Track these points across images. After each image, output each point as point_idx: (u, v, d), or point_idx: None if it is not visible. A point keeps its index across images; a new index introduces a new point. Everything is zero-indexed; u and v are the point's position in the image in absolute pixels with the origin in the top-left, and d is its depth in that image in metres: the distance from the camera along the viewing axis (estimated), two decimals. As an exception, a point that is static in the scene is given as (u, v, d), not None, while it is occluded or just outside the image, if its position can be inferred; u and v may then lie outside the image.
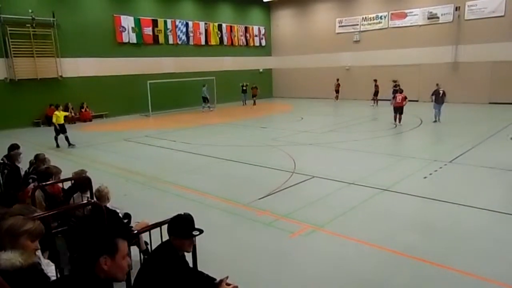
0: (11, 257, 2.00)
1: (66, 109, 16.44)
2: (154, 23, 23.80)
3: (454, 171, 9.31)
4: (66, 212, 4.27)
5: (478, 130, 13.51)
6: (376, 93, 23.64)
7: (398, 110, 15.77)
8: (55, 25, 19.38)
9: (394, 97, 16.06)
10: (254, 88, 25.68)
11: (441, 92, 16.25)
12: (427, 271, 4.77)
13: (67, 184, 5.55)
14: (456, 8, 22.80)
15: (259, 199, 7.51)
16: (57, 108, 14.14)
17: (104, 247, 2.10)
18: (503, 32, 21.31)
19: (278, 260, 5.17)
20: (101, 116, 21.57)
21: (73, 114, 19.48)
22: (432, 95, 16.54)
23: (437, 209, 6.87)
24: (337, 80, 26.86)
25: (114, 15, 21.94)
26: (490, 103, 21.64)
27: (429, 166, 9.52)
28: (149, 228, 3.58)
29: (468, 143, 11.91)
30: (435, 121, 16.40)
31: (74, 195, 4.97)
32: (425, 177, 8.69)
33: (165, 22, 24.39)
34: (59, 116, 13.49)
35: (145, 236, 4.30)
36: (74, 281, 2.04)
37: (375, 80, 23.74)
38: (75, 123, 19.99)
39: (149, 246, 4.55)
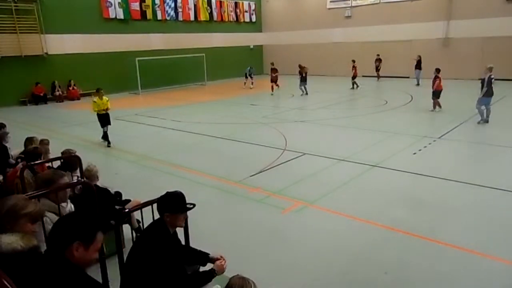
0: (12, 241, 2.01)
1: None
2: (141, -2, 23.14)
3: (442, 147, 9.43)
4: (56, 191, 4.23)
5: (467, 106, 13.61)
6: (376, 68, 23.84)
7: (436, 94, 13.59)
8: (38, 0, 18.72)
9: (439, 79, 13.38)
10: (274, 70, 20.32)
11: (417, 61, 20.75)
12: (415, 245, 4.88)
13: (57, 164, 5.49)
14: (448, -17, 22.53)
15: (251, 176, 7.54)
16: (97, 92, 10.57)
17: (82, 234, 2.06)
18: (494, 7, 21.17)
19: (270, 236, 5.24)
20: (89, 95, 21.12)
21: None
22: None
23: (425, 184, 6.98)
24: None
25: (100, -11, 21.25)
26: (480, 79, 21.70)
27: (419, 142, 9.62)
28: (140, 206, 3.57)
29: (457, 119, 12.02)
30: (417, 84, 20.24)
31: (64, 175, 4.92)
32: (414, 153, 8.79)
33: (153, -3, 23.73)
34: (99, 104, 10.26)
35: (137, 215, 4.31)
36: (46, 262, 2.02)
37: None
38: (62, 101, 19.66)
39: (141, 224, 4.57)
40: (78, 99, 20.31)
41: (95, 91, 10.62)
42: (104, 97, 10.39)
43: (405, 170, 7.61)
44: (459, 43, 22.63)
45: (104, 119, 10.36)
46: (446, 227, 5.32)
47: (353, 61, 21.14)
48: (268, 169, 7.99)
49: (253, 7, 30.68)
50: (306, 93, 18.93)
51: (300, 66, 19.10)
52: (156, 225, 3.09)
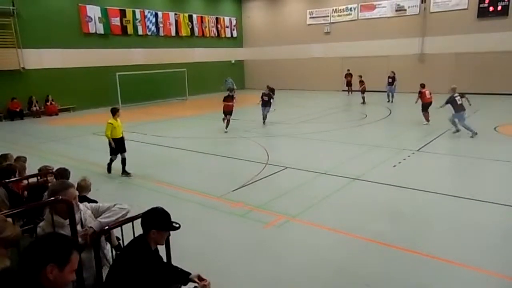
0: None
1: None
2: (122, 13, 23.10)
3: (421, 160, 9.64)
4: (33, 209, 4.11)
5: (443, 119, 13.99)
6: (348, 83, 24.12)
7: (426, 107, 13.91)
8: (15, 14, 18.44)
9: (422, 93, 13.91)
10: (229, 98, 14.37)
11: (390, 79, 19.97)
12: (397, 257, 4.93)
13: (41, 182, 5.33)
14: (422, 1, 23.40)
15: (233, 191, 7.51)
16: (113, 113, 8.82)
17: (55, 256, 1.95)
18: (466, 25, 22.08)
19: (252, 251, 5.21)
20: (67, 110, 20.83)
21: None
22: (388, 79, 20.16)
23: (406, 196, 7.09)
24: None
25: (79, 4, 21.10)
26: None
27: (398, 155, 9.80)
28: (121, 223, 3.50)
29: (434, 132, 12.33)
30: (388, 101, 19.72)
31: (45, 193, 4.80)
32: (394, 166, 8.95)
33: (134, 12, 23.73)
34: (115, 126, 8.70)
35: (116, 232, 4.21)
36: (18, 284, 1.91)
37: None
38: (40, 117, 19.26)
39: (121, 242, 4.47)
40: (56, 114, 19.92)
41: (110, 111, 8.93)
42: (118, 119, 8.86)
43: (386, 183, 7.73)
44: (434, 58, 23.43)
45: (120, 144, 8.81)
46: (427, 238, 5.40)
47: (360, 76, 20.92)
48: (250, 183, 7.98)
49: (234, 22, 31.04)
50: (263, 122, 15.21)
51: (268, 87, 16.00)
52: (137, 242, 3.03)
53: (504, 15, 21.02)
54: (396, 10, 24.50)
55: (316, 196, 7.07)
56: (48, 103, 19.89)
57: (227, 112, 13.90)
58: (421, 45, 23.84)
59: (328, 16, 27.41)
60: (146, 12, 24.45)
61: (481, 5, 21.56)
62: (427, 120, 13.87)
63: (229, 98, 14.18)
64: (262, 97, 15.22)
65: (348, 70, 24.15)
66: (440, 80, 22.60)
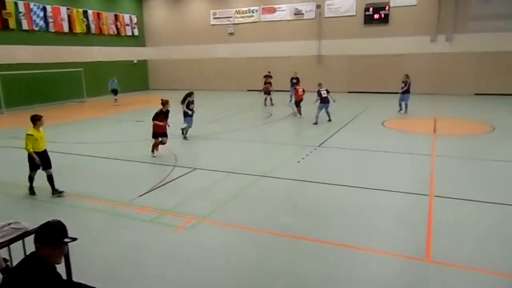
0: None
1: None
2: (1, 4, 20.44)
3: (322, 154, 10.34)
4: None
5: (339, 116, 15.22)
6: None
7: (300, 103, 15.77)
8: None
9: (296, 90, 16.06)
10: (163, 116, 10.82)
11: (294, 80, 19.86)
12: (304, 247, 5.22)
13: None
14: (317, 6, 25.10)
15: (140, 196, 7.19)
16: (34, 122, 7.20)
17: None
18: (355, 30, 24.30)
19: (164, 257, 5.04)
20: None
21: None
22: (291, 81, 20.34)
23: (310, 189, 7.55)
24: (268, 72, 21.43)
25: None
26: (348, 92, 24.56)
27: (301, 151, 10.38)
28: (8, 242, 3.10)
29: (332, 128, 13.32)
30: (290, 101, 19.77)
31: None
32: (298, 162, 9.45)
33: (16, 4, 21.14)
34: (37, 138, 7.19)
35: (3, 253, 3.72)
36: None
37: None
38: None
39: (9, 263, 3.96)
40: None
41: (30, 119, 7.25)
42: (41, 130, 7.32)
43: (291, 178, 8.13)
44: (330, 60, 25.33)
45: (44, 159, 7.33)
46: (331, 228, 5.80)
47: (270, 77, 20.38)
48: (158, 187, 7.73)
49: (135, 20, 29.66)
50: (185, 136, 12.48)
51: (188, 94, 12.36)
52: (28, 260, 2.70)
53: (385, 22, 23.60)
54: (295, 14, 25.88)
55: (225, 195, 7.13)
56: None
57: (161, 134, 10.49)
58: (318, 47, 25.56)
59: (231, 17, 27.80)
60: (32, 5, 21.98)
61: (367, 13, 23.92)
62: (300, 113, 15.60)
63: (162, 117, 10.56)
64: (189, 106, 12.22)
65: (269, 72, 23.95)
66: (337, 80, 24.54)
